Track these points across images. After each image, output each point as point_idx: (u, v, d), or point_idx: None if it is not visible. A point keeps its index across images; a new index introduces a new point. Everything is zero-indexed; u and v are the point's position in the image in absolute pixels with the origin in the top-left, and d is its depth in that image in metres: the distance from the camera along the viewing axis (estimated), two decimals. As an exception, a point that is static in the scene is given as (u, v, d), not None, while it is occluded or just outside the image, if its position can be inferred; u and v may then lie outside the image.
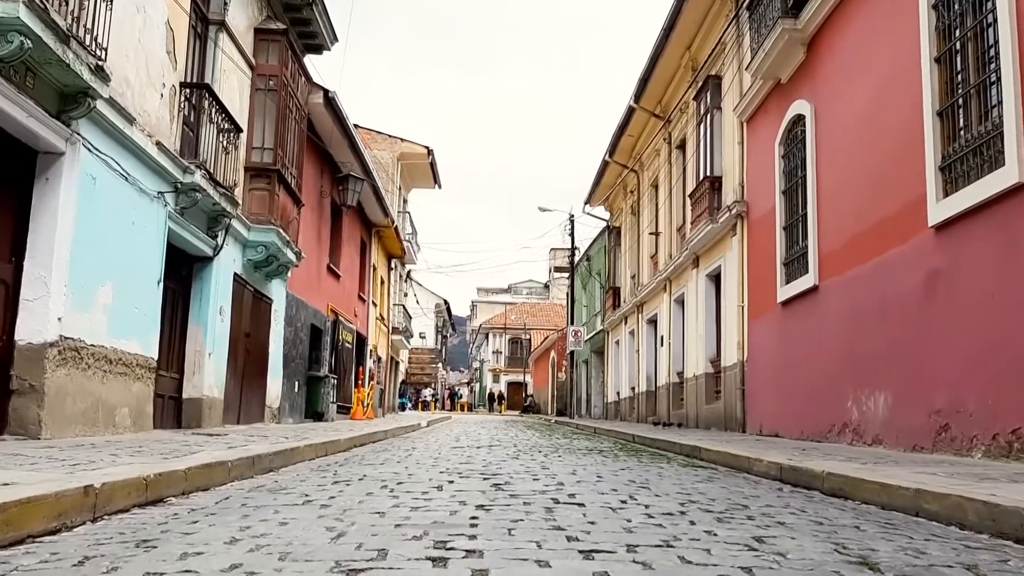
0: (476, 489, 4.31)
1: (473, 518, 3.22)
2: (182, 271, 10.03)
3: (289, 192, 12.43)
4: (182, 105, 9.31)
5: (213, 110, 9.83)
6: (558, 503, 3.72)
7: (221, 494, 4.24)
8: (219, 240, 10.30)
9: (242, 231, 11.17)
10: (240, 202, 10.99)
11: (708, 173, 15.13)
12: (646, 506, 3.69)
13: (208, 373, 10.20)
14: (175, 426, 9.73)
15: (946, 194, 7.32)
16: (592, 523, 3.11)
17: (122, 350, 7.83)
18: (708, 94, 15.39)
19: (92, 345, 7.26)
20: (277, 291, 13.30)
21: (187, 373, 10.02)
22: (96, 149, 7.19)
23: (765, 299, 12.35)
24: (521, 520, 3.16)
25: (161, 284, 8.77)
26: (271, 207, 11.59)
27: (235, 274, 11.20)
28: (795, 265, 11.25)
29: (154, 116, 8.47)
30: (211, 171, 9.56)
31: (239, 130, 10.70)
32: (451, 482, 4.72)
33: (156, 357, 8.69)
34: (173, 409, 9.79)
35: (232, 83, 10.99)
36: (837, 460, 6.22)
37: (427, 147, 27.32)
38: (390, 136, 27.19)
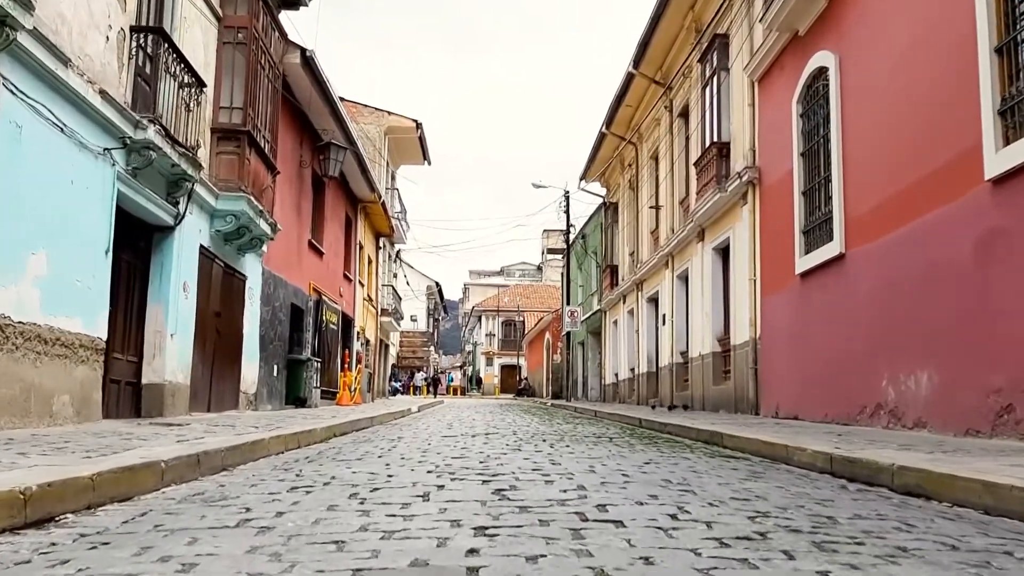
0: (473, 498, 3.28)
1: (471, 552, 2.21)
2: (139, 242, 8.95)
3: (262, 157, 11.32)
4: (134, 52, 8.19)
5: (170, 59, 8.72)
6: (587, 521, 2.71)
7: (141, 507, 3.25)
8: (181, 207, 9.22)
9: (209, 199, 10.07)
10: (205, 166, 9.90)
11: (715, 139, 14.15)
12: (707, 524, 2.69)
13: (171, 356, 9.15)
14: (133, 415, 8.71)
15: (1007, 142, 6.38)
16: (647, 561, 2.11)
17: (60, 329, 6.78)
18: (715, 54, 14.37)
19: (20, 323, 6.21)
20: (251, 267, 12.22)
21: (146, 356, 8.97)
22: (21, 92, 6.11)
23: (781, 271, 11.41)
24: (542, 556, 2.14)
25: (110, 254, 7.70)
26: (241, 173, 10.48)
27: (201, 246, 10.12)
28: (816, 233, 10.30)
29: (98, 61, 7.38)
30: (168, 128, 8.46)
31: (202, 85, 9.58)
32: (441, 487, 3.68)
33: (105, 337, 7.63)
34: (130, 396, 8.75)
35: (195, 34, 9.86)
36: (891, 448, 5.37)
37: (415, 120, 26.17)
38: (377, 109, 26.01)
